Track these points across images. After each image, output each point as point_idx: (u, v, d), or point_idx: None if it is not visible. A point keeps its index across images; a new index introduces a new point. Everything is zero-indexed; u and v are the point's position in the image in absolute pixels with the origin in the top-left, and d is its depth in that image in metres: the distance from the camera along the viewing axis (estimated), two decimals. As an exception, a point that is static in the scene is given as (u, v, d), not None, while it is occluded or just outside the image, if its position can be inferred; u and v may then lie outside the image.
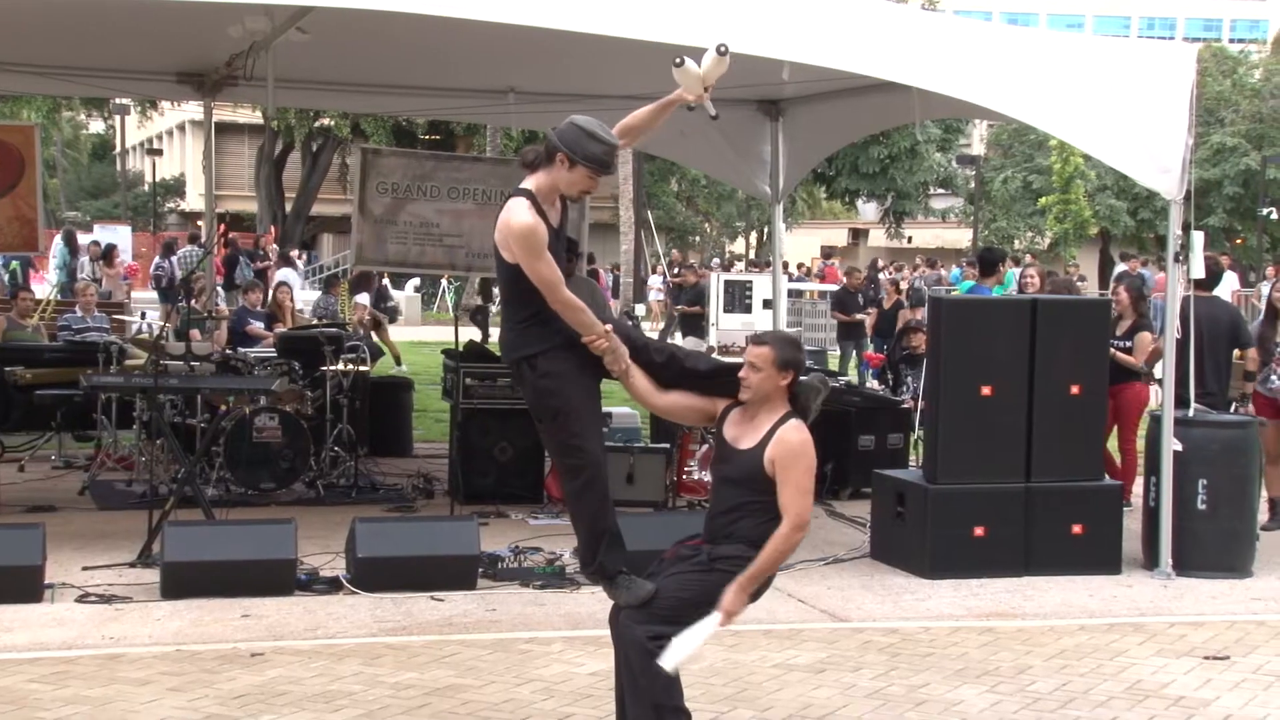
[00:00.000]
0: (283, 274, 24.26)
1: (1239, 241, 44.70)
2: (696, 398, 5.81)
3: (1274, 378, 11.10)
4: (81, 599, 8.20)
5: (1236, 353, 11.02)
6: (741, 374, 5.63)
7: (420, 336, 28.66)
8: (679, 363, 5.82)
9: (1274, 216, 44.00)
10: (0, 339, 14.17)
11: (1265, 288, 18.04)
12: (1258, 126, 45.09)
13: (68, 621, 7.79)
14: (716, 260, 42.30)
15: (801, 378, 5.65)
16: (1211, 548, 9.59)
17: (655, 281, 36.39)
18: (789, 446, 5.53)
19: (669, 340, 16.62)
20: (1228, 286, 23.58)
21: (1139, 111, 9.25)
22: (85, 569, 8.76)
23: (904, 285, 24.82)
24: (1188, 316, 9.68)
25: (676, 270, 29.71)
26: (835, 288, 29.16)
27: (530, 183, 5.59)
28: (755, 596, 5.68)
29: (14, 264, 27.90)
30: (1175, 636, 8.08)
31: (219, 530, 8.87)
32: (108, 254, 29.90)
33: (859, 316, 21.36)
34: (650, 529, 7.75)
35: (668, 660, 5.40)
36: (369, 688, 6.69)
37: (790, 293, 29.71)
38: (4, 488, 10.94)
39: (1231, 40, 70.98)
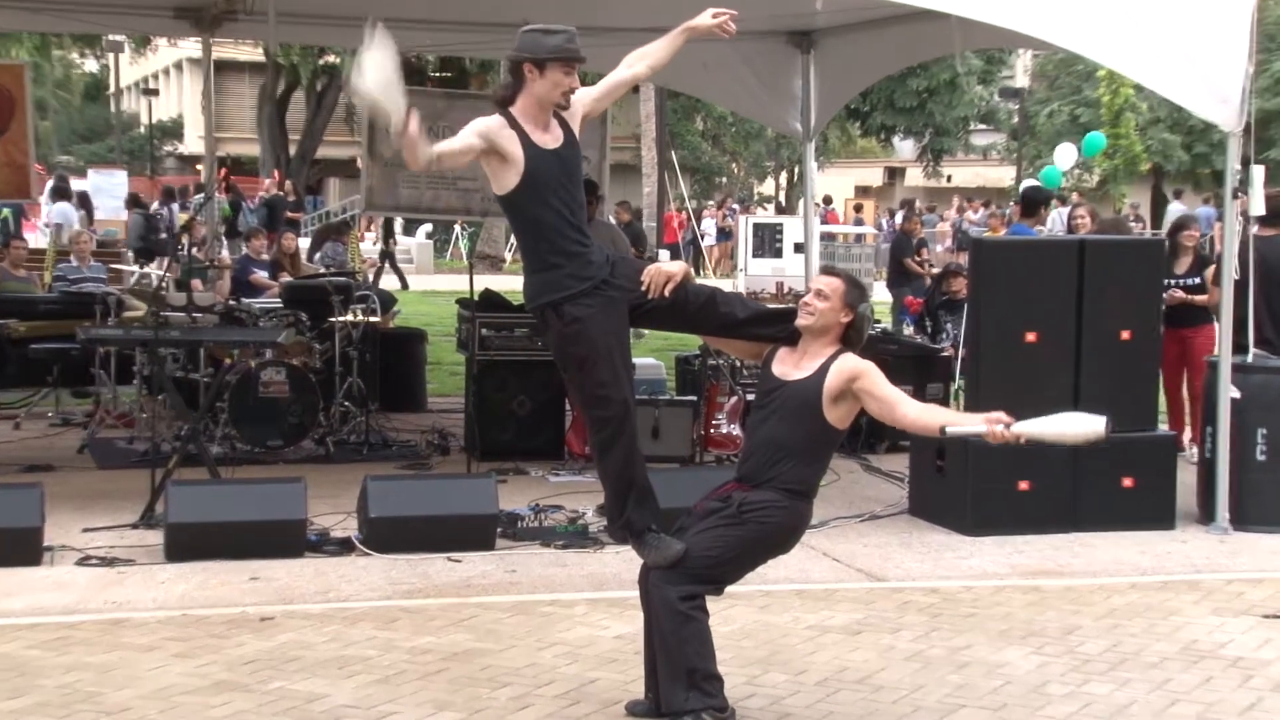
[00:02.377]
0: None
1: (1299, 177, 44.44)
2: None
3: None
4: (82, 562, 8.24)
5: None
6: (806, 299, 5.71)
7: (433, 285, 28.70)
8: (716, 305, 5.86)
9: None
10: (-7, 290, 14.21)
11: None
12: (1323, 53, 44.71)
13: (68, 585, 7.83)
14: (734, 205, 42.10)
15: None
16: (1271, 501, 9.57)
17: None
18: (855, 364, 5.61)
19: None
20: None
21: (1195, 38, 9.17)
22: (86, 531, 8.80)
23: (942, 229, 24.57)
24: (1247, 257, 9.64)
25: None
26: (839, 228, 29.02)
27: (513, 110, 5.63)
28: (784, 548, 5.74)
29: (5, 211, 27.97)
30: (1232, 594, 8.08)
31: (225, 490, 8.92)
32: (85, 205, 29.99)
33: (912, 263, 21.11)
34: (677, 485, 7.74)
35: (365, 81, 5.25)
36: (384, 652, 6.73)
37: (823, 236, 29.63)
38: (1, 446, 10.98)
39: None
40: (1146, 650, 7.00)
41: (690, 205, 38.61)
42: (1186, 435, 11.35)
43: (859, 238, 35.96)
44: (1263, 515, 9.53)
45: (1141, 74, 9.68)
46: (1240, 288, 9.58)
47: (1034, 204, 13.43)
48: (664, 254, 33.17)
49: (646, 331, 13.34)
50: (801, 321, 5.68)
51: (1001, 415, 5.41)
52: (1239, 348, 9.64)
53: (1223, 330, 9.57)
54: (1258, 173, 9.56)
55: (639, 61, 5.93)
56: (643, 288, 5.62)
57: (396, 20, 13.46)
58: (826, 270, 6.01)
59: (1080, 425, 5.46)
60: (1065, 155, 19.31)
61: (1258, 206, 9.79)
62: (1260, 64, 9.91)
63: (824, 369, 5.61)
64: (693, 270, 8.11)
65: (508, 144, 5.54)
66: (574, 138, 5.75)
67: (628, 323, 5.72)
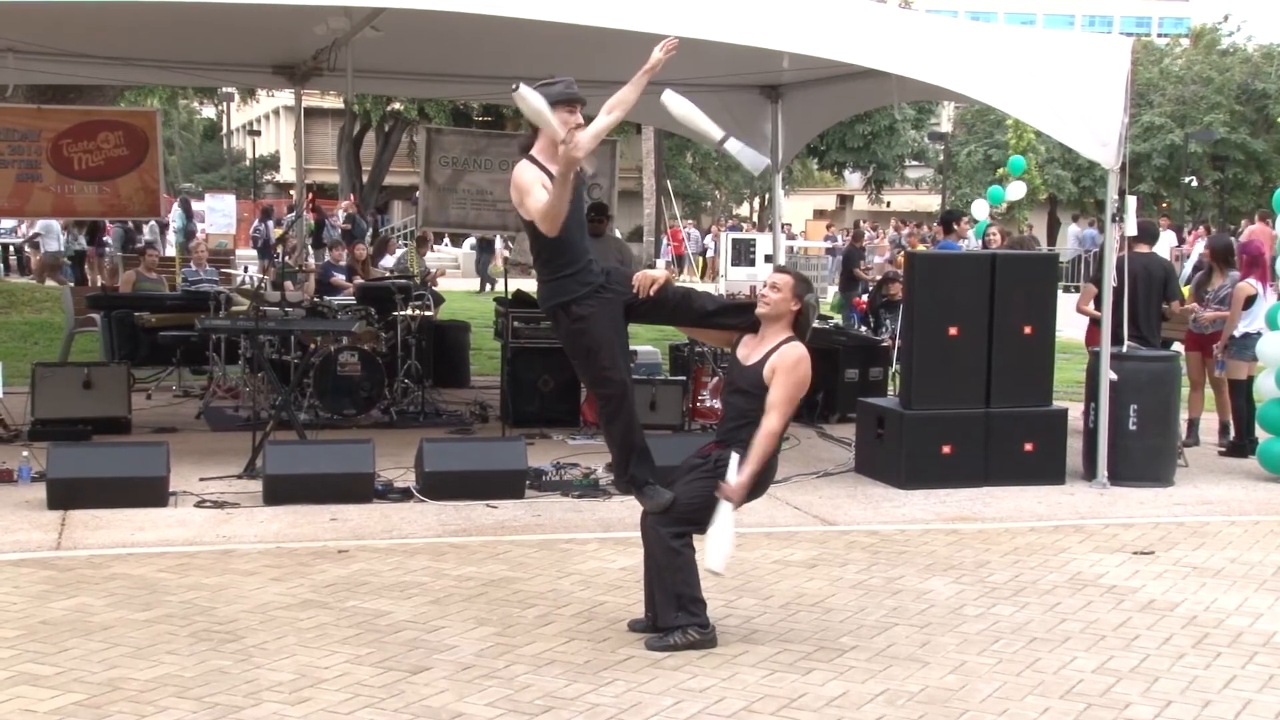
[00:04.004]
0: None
1: (1165, 205, 44.36)
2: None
3: (1199, 317, 11.06)
4: (199, 504, 8.25)
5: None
6: (763, 292, 5.76)
7: (475, 286, 28.68)
8: (690, 302, 5.91)
9: (1194, 184, 43.78)
10: (131, 289, 14.23)
11: (1200, 245, 18.01)
12: (1180, 108, 44.74)
13: (188, 523, 7.84)
14: (720, 220, 42.08)
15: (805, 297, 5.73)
16: (1140, 461, 9.57)
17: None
18: (786, 357, 5.62)
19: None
20: (1165, 245, 23.40)
21: (1082, 94, 9.17)
22: (202, 480, 8.81)
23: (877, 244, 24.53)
24: (1123, 268, 9.65)
25: None
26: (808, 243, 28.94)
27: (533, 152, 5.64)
28: (755, 494, 5.72)
29: (129, 225, 27.87)
30: (1109, 536, 8.08)
31: (310, 448, 8.91)
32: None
33: (859, 271, 21.03)
34: (670, 448, 7.68)
35: (715, 564, 5.46)
36: (435, 579, 6.73)
37: (788, 249, 29.63)
38: (136, 412, 11.00)
39: (1159, 35, 70.35)
40: (1041, 580, 7.01)
41: (687, 222, 38.68)
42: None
43: (830, 251, 35.94)
44: (1133, 473, 9.53)
45: (1040, 122, 9.65)
46: (1118, 293, 9.60)
47: (948, 222, 13.55)
48: (660, 262, 33.21)
49: None
50: (760, 310, 5.71)
51: (727, 490, 5.45)
52: (1116, 340, 9.63)
53: (1104, 326, 9.55)
54: (1131, 202, 9.58)
55: (616, 107, 5.89)
56: (634, 290, 5.65)
57: (450, 75, 13.58)
58: (779, 269, 6.03)
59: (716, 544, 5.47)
60: (1014, 189, 19.55)
61: (1131, 229, 9.81)
62: (1133, 115, 9.87)
63: (767, 356, 5.64)
64: (675, 275, 8.12)
65: (548, 181, 5.56)
66: (581, 170, 5.74)
67: (624, 318, 5.72)
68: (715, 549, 5.46)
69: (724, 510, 5.48)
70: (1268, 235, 12.13)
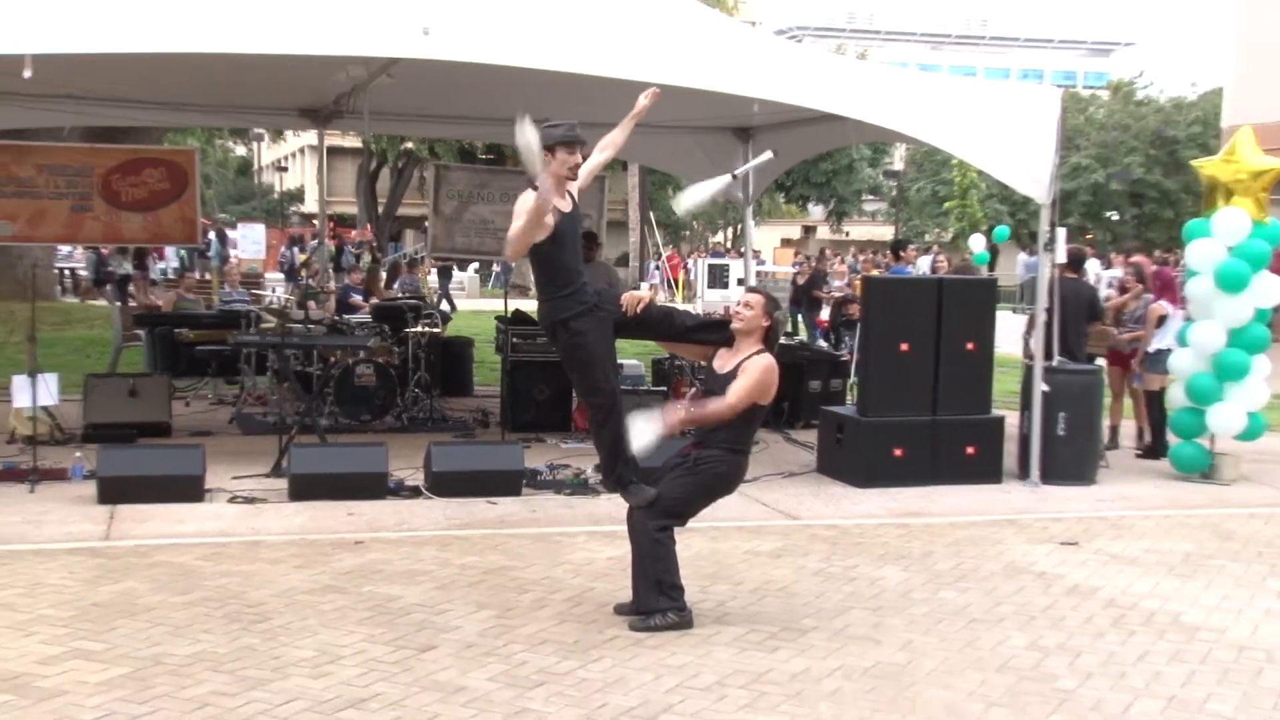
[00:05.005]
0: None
1: (1089, 236, 44.56)
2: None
3: (1119, 335, 11.11)
4: (231, 500, 8.23)
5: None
6: (736, 309, 5.76)
7: (478, 307, 28.61)
8: (672, 319, 5.96)
9: (1115, 218, 44.03)
10: (172, 308, 14.22)
11: (1119, 270, 18.08)
12: (1103, 151, 45.00)
13: (222, 516, 7.83)
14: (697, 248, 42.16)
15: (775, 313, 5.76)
16: (1068, 463, 9.60)
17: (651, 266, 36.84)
18: (755, 363, 5.62)
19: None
20: (1091, 271, 23.46)
21: (1018, 138, 9.21)
22: (234, 478, 8.79)
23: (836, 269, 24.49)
24: (1054, 291, 9.69)
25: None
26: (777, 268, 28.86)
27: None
28: (726, 492, 5.77)
29: (183, 253, 27.83)
30: (1040, 529, 8.11)
31: (330, 450, 8.90)
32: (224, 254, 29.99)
33: (820, 294, 21.04)
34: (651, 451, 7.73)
35: (639, 447, 5.47)
36: (441, 567, 6.72)
37: (758, 274, 29.66)
38: (176, 418, 10.97)
39: (1084, 87, 70.82)
40: (980, 568, 7.03)
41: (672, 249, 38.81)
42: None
43: (798, 278, 35.90)
44: (1062, 473, 9.56)
45: (981, 162, 9.69)
46: (1050, 314, 9.63)
47: (896, 250, 13.60)
48: (644, 285, 33.22)
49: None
50: (734, 325, 5.73)
51: (670, 415, 5.45)
52: (1048, 356, 9.67)
53: (1037, 343, 9.59)
54: (1061, 233, 9.62)
55: (607, 147, 5.98)
56: (623, 309, 5.67)
57: (456, 117, 13.58)
58: (751, 289, 6.04)
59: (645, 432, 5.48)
60: (1001, 233, 20.33)
61: (1061, 257, 9.85)
62: (1063, 157, 9.94)
63: (739, 365, 5.65)
64: (659, 295, 8.18)
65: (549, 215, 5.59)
66: (577, 203, 5.78)
67: (613, 335, 5.75)
68: (639, 437, 5.45)
69: (655, 418, 5.44)
70: (1148, 264, 12.22)
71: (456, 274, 35.28)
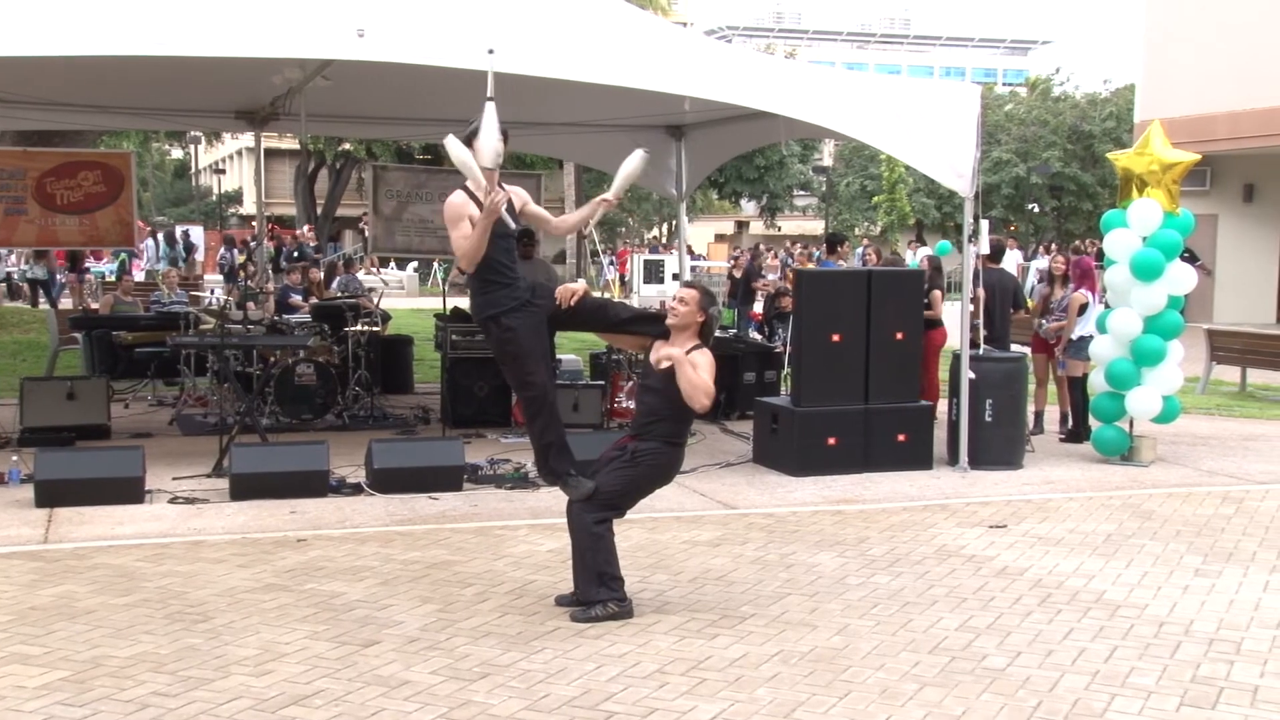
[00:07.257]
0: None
1: (1012, 228, 45.18)
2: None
3: (1043, 323, 11.26)
4: (172, 501, 8.09)
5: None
6: (671, 304, 5.70)
7: (418, 305, 28.38)
8: (606, 311, 5.96)
9: (1036, 210, 44.70)
10: (110, 310, 13.97)
11: (1045, 261, 18.35)
12: (1023, 145, 45.60)
13: (162, 517, 7.69)
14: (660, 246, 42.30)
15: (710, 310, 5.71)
16: (996, 449, 9.69)
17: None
18: (696, 358, 5.56)
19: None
20: (1012, 261, 23.81)
21: (941, 133, 9.28)
22: (174, 479, 8.65)
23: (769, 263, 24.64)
24: (977, 282, 9.79)
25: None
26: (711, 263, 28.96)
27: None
28: (663, 482, 5.75)
29: (121, 255, 27.36)
30: (970, 513, 8.19)
31: (271, 449, 8.78)
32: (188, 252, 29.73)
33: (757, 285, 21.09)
34: (591, 444, 7.69)
35: (486, 161, 5.66)
36: (384, 563, 6.65)
37: (693, 268, 29.73)
38: (115, 420, 10.77)
39: (1003, 84, 71.82)
40: (913, 552, 7.08)
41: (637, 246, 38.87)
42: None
43: (732, 272, 36.05)
44: (990, 459, 9.65)
45: (907, 156, 9.76)
46: (976, 303, 9.73)
47: (832, 245, 13.66)
48: (580, 281, 33.18)
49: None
50: (669, 320, 5.69)
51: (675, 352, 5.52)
52: (974, 344, 9.76)
53: (963, 333, 9.67)
54: (984, 225, 9.72)
55: (560, 222, 6.34)
56: (556, 301, 5.65)
57: (393, 119, 13.45)
58: (686, 284, 5.98)
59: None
60: (944, 247, 20.77)
61: (984, 248, 9.96)
62: (984, 152, 10.04)
63: (671, 359, 5.61)
64: (591, 287, 8.18)
65: (473, 211, 5.61)
66: (512, 202, 5.78)
67: (546, 329, 5.74)
68: (486, 147, 5.62)
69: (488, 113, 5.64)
70: (1061, 260, 12.45)
71: (395, 272, 35.05)
